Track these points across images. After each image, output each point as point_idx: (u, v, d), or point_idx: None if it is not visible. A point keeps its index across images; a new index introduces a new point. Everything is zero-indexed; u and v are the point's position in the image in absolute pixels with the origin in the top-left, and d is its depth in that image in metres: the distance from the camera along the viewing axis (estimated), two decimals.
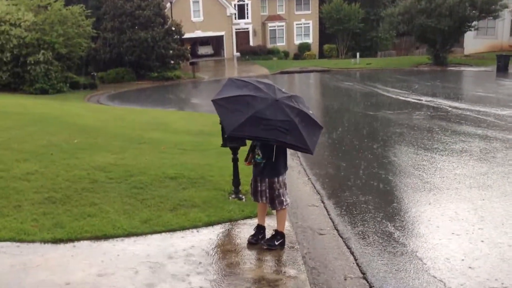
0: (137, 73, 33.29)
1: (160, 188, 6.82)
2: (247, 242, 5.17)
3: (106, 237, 5.19)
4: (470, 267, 4.70)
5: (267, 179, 4.95)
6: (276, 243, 5.09)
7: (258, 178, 5.02)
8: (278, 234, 5.13)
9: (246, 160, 5.18)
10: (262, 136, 4.58)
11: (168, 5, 38.50)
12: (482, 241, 5.33)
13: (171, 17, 35.89)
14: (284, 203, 5.04)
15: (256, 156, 4.97)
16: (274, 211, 5.25)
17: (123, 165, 7.70)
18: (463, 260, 4.87)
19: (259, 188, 5.04)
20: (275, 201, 5.02)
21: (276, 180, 4.98)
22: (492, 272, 4.59)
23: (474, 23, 35.35)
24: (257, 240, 5.18)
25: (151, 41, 31.91)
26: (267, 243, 5.09)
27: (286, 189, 5.10)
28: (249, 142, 5.18)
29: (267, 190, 4.99)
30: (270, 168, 4.91)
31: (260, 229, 5.26)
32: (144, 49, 31.96)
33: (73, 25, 27.82)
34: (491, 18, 36.09)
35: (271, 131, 4.47)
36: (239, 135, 4.77)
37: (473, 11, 33.72)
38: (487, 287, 4.34)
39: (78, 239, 5.11)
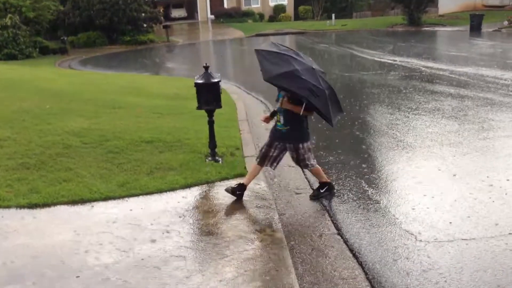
0: (109, 37, 32.50)
1: (136, 152, 6.80)
2: (225, 190, 5.43)
3: (83, 201, 5.19)
4: (440, 221, 4.86)
5: (292, 144, 5.22)
6: (322, 190, 5.61)
7: (276, 143, 5.27)
8: (321, 185, 5.63)
9: (265, 119, 5.50)
10: (296, 91, 4.82)
11: None
12: (452, 195, 5.49)
13: None
14: (309, 166, 5.41)
15: (277, 123, 5.21)
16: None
17: (97, 130, 7.62)
18: (434, 214, 5.03)
19: (271, 154, 5.30)
20: (302, 162, 5.38)
21: (300, 146, 5.26)
22: (462, 225, 4.76)
23: None
24: (235, 191, 5.37)
25: (122, 4, 31.05)
26: (313, 196, 5.62)
27: (311, 153, 5.42)
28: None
29: (294, 153, 5.29)
30: (294, 134, 5.20)
31: (241, 186, 5.42)
32: (115, 12, 31.12)
33: None
34: None
35: (304, 90, 4.76)
36: (275, 82, 4.95)
37: None
38: (457, 238, 4.50)
39: (55, 204, 5.10)
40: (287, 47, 5.21)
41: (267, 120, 5.55)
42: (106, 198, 5.29)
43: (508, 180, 5.83)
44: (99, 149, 6.74)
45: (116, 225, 4.70)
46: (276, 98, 5.24)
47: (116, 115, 9.02)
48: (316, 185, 5.84)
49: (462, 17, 35.44)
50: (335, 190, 5.79)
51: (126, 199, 5.32)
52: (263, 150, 5.38)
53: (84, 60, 26.23)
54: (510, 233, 4.54)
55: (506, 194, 5.44)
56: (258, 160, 5.46)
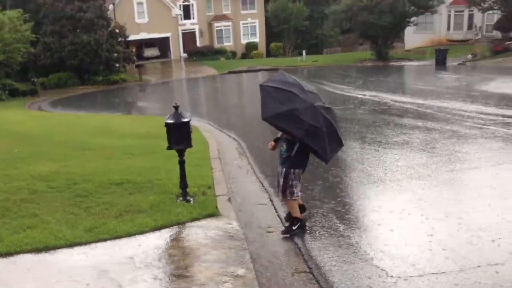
0: (81, 77, 32.38)
1: (105, 195, 6.68)
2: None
3: (47, 248, 5.03)
4: (411, 256, 4.88)
5: (284, 169, 5.42)
6: (294, 227, 5.63)
7: (279, 167, 5.54)
8: (294, 220, 5.64)
9: (272, 147, 5.64)
10: (292, 131, 5.00)
11: (111, 6, 37.65)
12: (422, 229, 5.53)
13: (115, 19, 35.15)
14: (295, 194, 5.53)
15: (281, 148, 5.48)
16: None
17: (65, 173, 7.48)
18: (404, 249, 5.04)
19: (277, 178, 5.58)
20: (286, 191, 5.50)
21: (292, 171, 5.44)
22: (432, 259, 4.78)
23: (413, 18, 36.66)
24: (302, 225, 5.66)
25: (94, 44, 31.09)
26: (285, 232, 5.63)
27: (299, 182, 5.57)
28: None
29: (281, 179, 5.47)
30: (290, 160, 5.39)
31: (299, 221, 5.67)
32: (87, 52, 31.11)
33: (11, 31, 26.72)
34: (429, 13, 37.53)
35: (300, 130, 4.94)
36: (273, 122, 5.09)
37: (412, 7, 34.97)
38: (427, 273, 4.51)
39: (18, 252, 4.93)
40: (295, 79, 5.33)
41: (273, 147, 5.67)
42: (72, 245, 5.14)
43: (475, 211, 5.92)
44: (66, 193, 6.60)
45: (81, 272, 4.56)
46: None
47: (85, 157, 8.90)
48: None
49: (427, 52, 36.62)
50: (307, 227, 5.77)
51: (94, 245, 5.19)
52: (291, 183, 5.49)
53: (55, 102, 25.99)
54: (479, 266, 4.57)
55: (473, 226, 5.50)
56: (296, 195, 5.56)
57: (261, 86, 5.19)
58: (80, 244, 5.17)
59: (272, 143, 5.65)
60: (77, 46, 31.01)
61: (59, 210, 6.01)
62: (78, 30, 31.49)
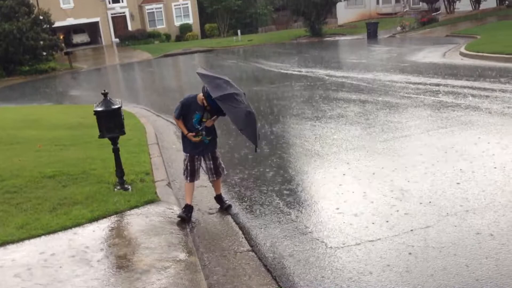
0: (6, 68, 30.67)
1: (37, 189, 6.39)
2: (178, 217, 5.55)
3: None
4: (348, 225, 5.01)
5: (209, 154, 5.68)
6: (227, 201, 5.95)
7: (198, 156, 5.65)
8: (220, 197, 5.97)
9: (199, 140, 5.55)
10: (235, 115, 5.08)
11: None
12: (359, 199, 5.70)
13: (37, 5, 33.38)
14: (224, 171, 5.89)
15: (204, 138, 5.53)
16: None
17: None
18: (341, 219, 5.18)
19: (196, 167, 5.69)
20: (218, 169, 5.78)
21: (216, 150, 5.77)
22: (368, 227, 4.94)
23: None
24: (188, 215, 5.59)
25: (17, 33, 29.47)
26: (226, 207, 5.84)
27: None
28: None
29: (210, 162, 5.69)
30: (212, 144, 5.66)
31: (189, 208, 5.65)
32: (10, 42, 29.46)
33: None
34: None
35: (242, 116, 5.06)
36: (224, 102, 5.02)
37: None
38: (364, 241, 4.65)
39: None
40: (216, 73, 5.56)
41: (198, 139, 5.58)
42: (3, 243, 4.89)
43: (407, 179, 6.16)
44: None
45: (14, 272, 4.35)
46: (195, 120, 5.46)
47: (13, 151, 8.45)
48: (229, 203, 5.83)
49: (359, 26, 37.50)
50: (248, 205, 5.80)
51: (26, 241, 4.96)
52: (189, 167, 5.67)
53: None
54: (411, 230, 4.77)
55: (406, 193, 5.73)
56: (188, 178, 5.71)
57: (200, 74, 5.26)
58: (12, 242, 4.93)
59: (196, 138, 5.52)
60: None
61: None
62: None
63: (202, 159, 5.72)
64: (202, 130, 5.52)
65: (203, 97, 5.32)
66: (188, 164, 5.68)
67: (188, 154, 5.67)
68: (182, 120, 5.53)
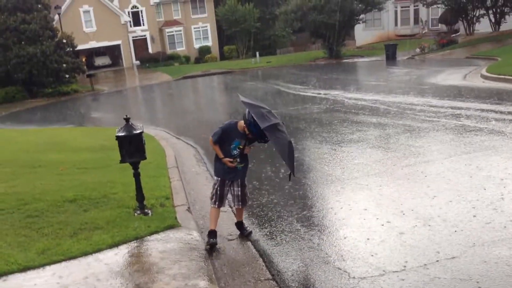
0: (29, 91, 31.33)
1: (59, 213, 6.42)
2: (207, 244, 5.48)
3: None
4: (372, 255, 4.91)
5: (239, 180, 5.66)
6: (248, 228, 5.96)
7: (229, 182, 5.66)
8: (241, 223, 5.95)
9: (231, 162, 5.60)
10: (279, 142, 5.19)
11: (56, 17, 36.61)
12: (382, 225, 5.59)
13: (61, 29, 34.19)
14: (248, 200, 5.95)
15: (238, 165, 5.57)
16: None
17: (15, 193, 7.15)
18: (365, 248, 5.07)
19: (225, 192, 5.68)
20: (245, 197, 5.79)
21: (245, 178, 5.78)
22: (392, 256, 4.82)
23: (362, 16, 37.50)
24: (215, 240, 5.56)
25: (41, 56, 30.16)
26: (247, 235, 5.83)
27: None
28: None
29: (239, 189, 5.67)
30: (243, 171, 5.69)
31: (214, 233, 5.60)
32: (34, 65, 30.15)
33: None
34: (377, 10, 38.48)
35: (284, 145, 5.20)
36: (270, 134, 5.13)
37: (360, 5, 35.75)
38: (388, 271, 4.54)
39: None
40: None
41: (233, 165, 5.63)
42: (24, 269, 4.90)
43: (431, 205, 6.03)
44: (16, 215, 6.30)
45: None
46: (233, 147, 5.53)
47: (36, 175, 8.55)
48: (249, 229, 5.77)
49: (378, 48, 37.50)
50: (269, 232, 5.74)
51: (47, 267, 4.96)
52: (219, 192, 5.65)
53: (3, 117, 25.03)
54: (437, 261, 4.64)
55: (430, 220, 5.60)
56: (217, 203, 5.68)
57: (245, 103, 5.41)
58: (33, 267, 4.93)
59: (232, 164, 5.59)
60: (23, 58, 30.01)
61: (9, 233, 5.72)
62: (23, 42, 30.46)
63: (231, 185, 5.71)
64: (237, 156, 5.56)
65: (244, 125, 5.36)
66: (218, 188, 5.67)
67: (219, 179, 5.66)
68: (219, 145, 5.56)
